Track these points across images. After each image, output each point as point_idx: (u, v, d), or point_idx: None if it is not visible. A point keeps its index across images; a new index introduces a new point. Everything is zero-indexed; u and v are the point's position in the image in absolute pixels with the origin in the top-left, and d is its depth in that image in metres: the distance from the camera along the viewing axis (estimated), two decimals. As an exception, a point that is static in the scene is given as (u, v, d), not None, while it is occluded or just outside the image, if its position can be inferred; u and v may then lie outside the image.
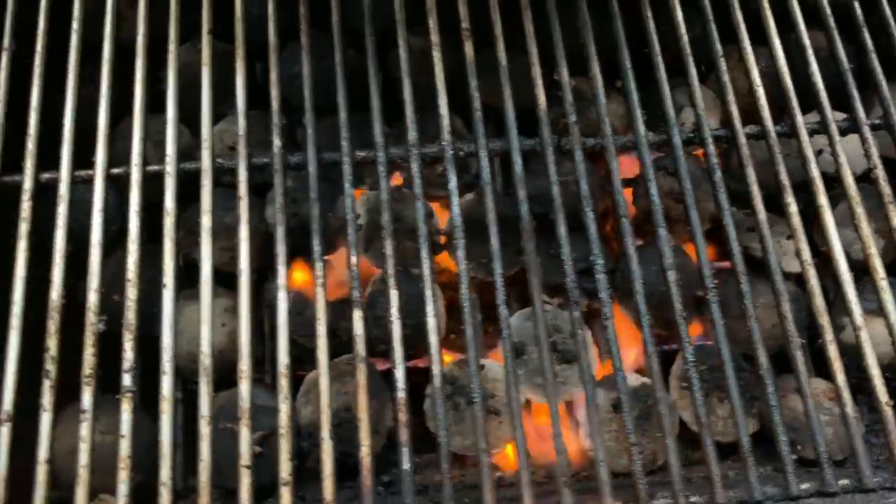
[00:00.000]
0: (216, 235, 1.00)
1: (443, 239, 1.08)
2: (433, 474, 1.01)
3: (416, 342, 0.95)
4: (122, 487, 0.80)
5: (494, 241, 0.91)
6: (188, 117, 1.01)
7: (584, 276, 1.04)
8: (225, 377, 0.94)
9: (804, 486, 0.82)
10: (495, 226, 0.91)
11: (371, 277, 1.09)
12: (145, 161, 0.93)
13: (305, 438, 0.97)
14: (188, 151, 1.03)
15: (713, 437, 0.84)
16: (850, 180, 0.95)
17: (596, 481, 0.82)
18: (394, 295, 0.88)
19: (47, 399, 0.83)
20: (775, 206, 0.97)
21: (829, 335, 0.88)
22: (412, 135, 0.96)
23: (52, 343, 0.85)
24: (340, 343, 1.02)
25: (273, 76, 0.97)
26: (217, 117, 1.03)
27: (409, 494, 0.81)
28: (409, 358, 1.01)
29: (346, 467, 0.94)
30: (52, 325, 0.85)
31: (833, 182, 0.98)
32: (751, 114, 1.00)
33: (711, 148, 0.96)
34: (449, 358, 1.07)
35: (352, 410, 0.98)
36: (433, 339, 0.87)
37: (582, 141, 0.96)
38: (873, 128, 0.98)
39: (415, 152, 0.95)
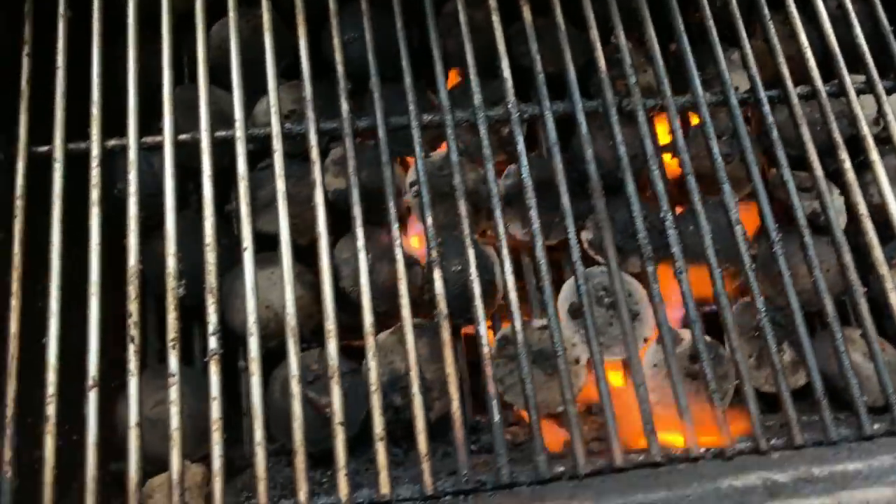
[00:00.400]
0: (273, 203, 1.01)
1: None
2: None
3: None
4: (217, 449, 0.80)
5: (565, 200, 0.92)
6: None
7: (636, 238, 1.07)
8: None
9: (875, 426, 0.85)
10: (564, 185, 0.93)
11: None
12: (213, 127, 0.92)
13: (374, 401, 0.98)
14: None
15: (788, 383, 0.87)
16: (898, 136, 0.98)
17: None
18: (471, 254, 0.90)
19: (133, 364, 0.82)
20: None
21: (889, 283, 0.91)
22: (477, 98, 0.97)
23: (133, 308, 0.84)
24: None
25: (336, 41, 0.98)
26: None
27: (502, 446, 0.82)
28: (470, 321, 1.03)
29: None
30: (133, 290, 0.85)
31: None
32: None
33: (767, 108, 0.99)
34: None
35: (423, 371, 0.99)
36: (512, 297, 0.88)
37: (642, 102, 0.98)
38: (916, 87, 1.02)
39: (481, 115, 0.96)
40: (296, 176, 1.02)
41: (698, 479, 0.79)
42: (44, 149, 0.91)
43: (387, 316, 0.99)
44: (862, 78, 1.04)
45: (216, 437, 0.80)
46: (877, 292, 0.94)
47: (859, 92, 1.02)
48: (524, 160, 0.94)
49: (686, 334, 1.04)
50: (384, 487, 0.80)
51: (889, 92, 1.03)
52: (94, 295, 0.84)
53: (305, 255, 1.01)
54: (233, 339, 0.98)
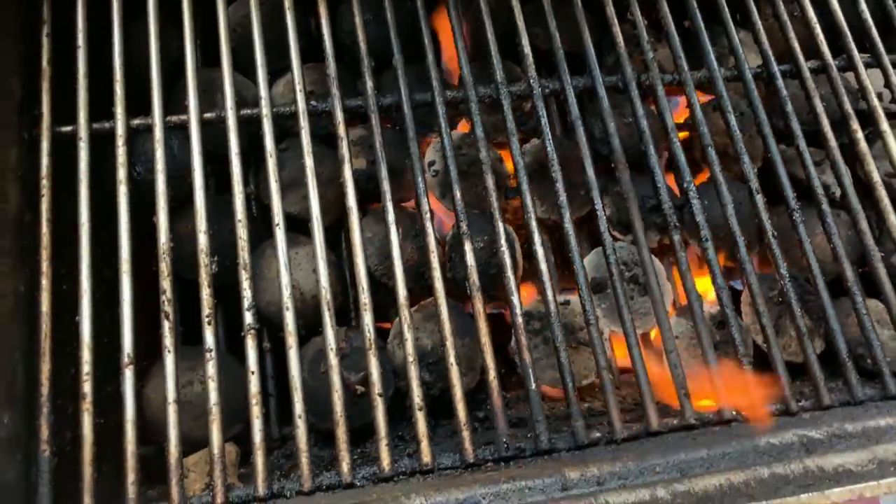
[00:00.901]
0: (293, 185, 1.02)
1: (513, 182, 1.10)
2: (525, 409, 1.03)
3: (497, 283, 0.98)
4: (257, 423, 0.80)
5: (590, 172, 0.93)
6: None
7: (653, 213, 1.09)
8: (317, 322, 0.95)
9: (898, 386, 0.88)
10: (589, 157, 0.94)
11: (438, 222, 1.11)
12: (239, 105, 0.92)
13: (402, 378, 0.98)
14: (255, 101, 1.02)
15: (814, 348, 0.89)
16: (908, 106, 1.01)
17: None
18: (500, 226, 0.90)
19: (168, 340, 0.82)
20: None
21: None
22: (499, 73, 0.98)
23: (166, 285, 0.84)
24: (425, 287, 1.04)
25: (357, 20, 0.98)
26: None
27: (539, 412, 0.83)
28: (493, 298, 1.04)
29: (442, 404, 0.96)
30: (165, 267, 0.84)
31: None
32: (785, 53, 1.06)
33: (781, 82, 1.01)
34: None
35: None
36: (543, 267, 0.89)
37: (661, 76, 1.00)
38: (920, 61, 1.06)
39: (504, 90, 0.97)
40: (316, 157, 1.02)
41: (736, 438, 0.80)
42: (68, 129, 0.90)
43: (410, 294, 0.99)
44: (867, 55, 1.06)
45: (256, 411, 0.80)
46: (889, 257, 0.97)
47: (867, 66, 1.05)
48: (548, 132, 0.95)
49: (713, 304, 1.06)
50: (426, 456, 0.80)
51: (895, 65, 1.05)
52: (125, 273, 0.83)
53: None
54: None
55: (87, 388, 0.79)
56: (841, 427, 0.80)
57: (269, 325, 1.01)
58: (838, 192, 1.03)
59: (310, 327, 0.98)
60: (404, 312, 0.85)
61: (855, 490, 0.72)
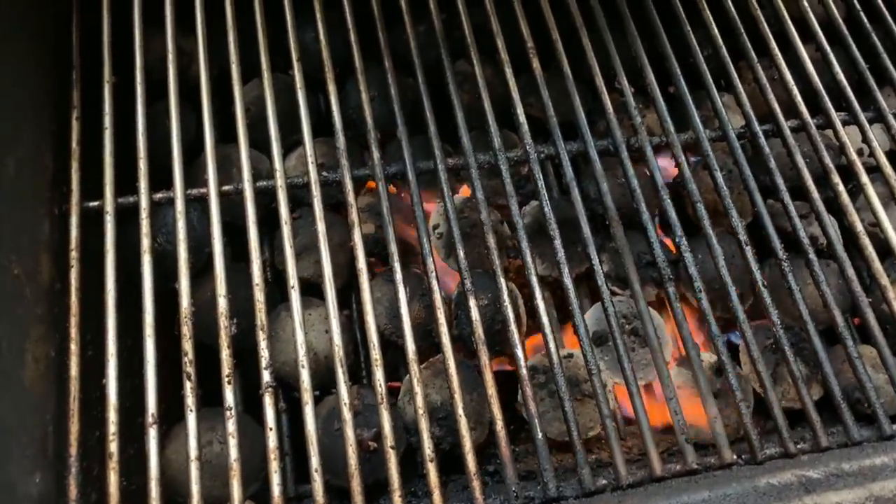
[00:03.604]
0: (305, 252, 1.07)
1: (513, 243, 1.16)
2: (533, 462, 1.06)
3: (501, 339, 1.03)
4: (275, 476, 0.83)
5: (586, 229, 0.99)
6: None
7: (649, 268, 1.14)
8: (329, 382, 0.99)
9: (894, 426, 0.91)
10: (584, 215, 1.00)
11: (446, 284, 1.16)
12: (254, 178, 0.99)
13: (413, 434, 1.01)
14: (269, 174, 1.08)
15: (811, 395, 0.92)
16: (884, 160, 1.07)
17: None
18: (502, 282, 0.95)
19: (190, 400, 0.86)
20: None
21: (891, 293, 0.98)
22: (497, 141, 1.04)
23: (188, 346, 0.88)
24: (433, 345, 1.08)
25: (364, 96, 1.05)
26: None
27: (546, 461, 0.86)
28: (498, 354, 1.08)
29: (452, 458, 0.99)
30: (187, 330, 0.89)
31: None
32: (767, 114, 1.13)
33: (763, 140, 1.07)
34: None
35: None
36: (545, 320, 0.93)
37: (649, 139, 1.06)
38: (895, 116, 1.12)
39: (502, 156, 1.03)
40: (326, 224, 1.08)
41: (736, 479, 0.83)
42: (95, 203, 0.96)
43: (418, 352, 1.03)
44: (844, 113, 1.13)
45: (274, 466, 0.84)
46: (878, 304, 1.01)
47: (844, 123, 1.11)
48: (544, 193, 1.00)
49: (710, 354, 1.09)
50: (438, 506, 0.83)
51: (871, 122, 1.12)
52: (149, 337, 0.88)
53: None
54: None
55: (113, 447, 0.83)
56: (838, 467, 0.83)
57: (284, 386, 1.05)
58: (825, 243, 1.07)
59: (323, 387, 1.03)
60: (414, 367, 0.90)
61: (853, 526, 0.75)
